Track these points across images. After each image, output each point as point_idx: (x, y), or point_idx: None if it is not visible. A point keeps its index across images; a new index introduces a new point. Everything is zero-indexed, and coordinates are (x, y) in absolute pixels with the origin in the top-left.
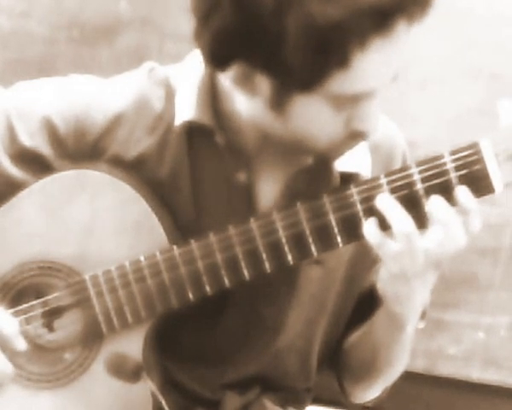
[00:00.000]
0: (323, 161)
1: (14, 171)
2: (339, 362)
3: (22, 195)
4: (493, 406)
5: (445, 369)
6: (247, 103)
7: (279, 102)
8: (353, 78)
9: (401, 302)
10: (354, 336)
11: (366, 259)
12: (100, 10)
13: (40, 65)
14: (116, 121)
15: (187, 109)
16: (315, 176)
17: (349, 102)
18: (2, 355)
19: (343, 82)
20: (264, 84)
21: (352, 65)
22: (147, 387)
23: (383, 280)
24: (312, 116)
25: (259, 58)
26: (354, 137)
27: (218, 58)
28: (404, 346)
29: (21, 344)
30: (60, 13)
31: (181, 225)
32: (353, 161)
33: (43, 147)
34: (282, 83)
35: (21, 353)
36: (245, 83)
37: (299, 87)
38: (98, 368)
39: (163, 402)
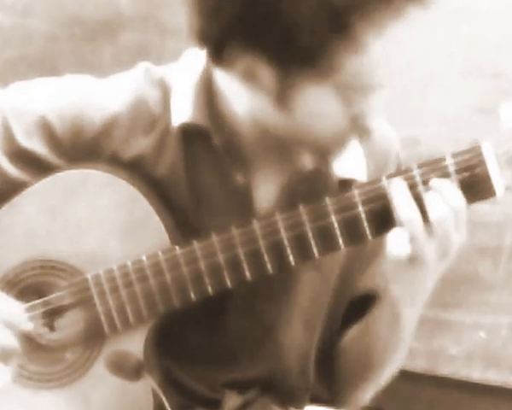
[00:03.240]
0: (321, 162)
1: (13, 170)
2: (333, 365)
3: (24, 194)
4: (494, 406)
5: (446, 369)
6: (248, 101)
7: (283, 91)
8: (366, 63)
9: (404, 286)
10: (350, 334)
11: (359, 260)
12: (101, 7)
13: (42, 62)
14: (113, 121)
15: (183, 111)
16: (313, 181)
17: (358, 95)
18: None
19: (356, 67)
20: (269, 76)
21: (365, 48)
22: (148, 386)
23: (393, 262)
24: (318, 109)
25: (271, 45)
26: (357, 129)
27: (226, 52)
28: (400, 339)
29: (28, 325)
30: (61, 10)
31: (180, 226)
32: (349, 167)
33: (40, 147)
34: (288, 69)
35: (22, 352)
36: (250, 77)
37: (313, 73)
38: (100, 368)
39: (164, 401)
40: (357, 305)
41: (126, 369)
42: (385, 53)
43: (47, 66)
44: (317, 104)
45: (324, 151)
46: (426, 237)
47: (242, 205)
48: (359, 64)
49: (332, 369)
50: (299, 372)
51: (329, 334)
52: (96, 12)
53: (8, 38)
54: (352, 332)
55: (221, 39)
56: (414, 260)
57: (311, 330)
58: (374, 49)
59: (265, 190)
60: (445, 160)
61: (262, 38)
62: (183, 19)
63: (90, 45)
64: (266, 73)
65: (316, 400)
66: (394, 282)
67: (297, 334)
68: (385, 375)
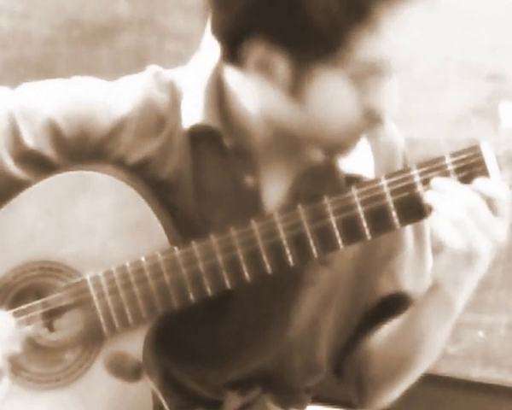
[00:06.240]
0: (329, 162)
1: (17, 172)
2: (360, 368)
3: (24, 195)
4: (493, 405)
5: (445, 368)
6: (260, 97)
7: (298, 82)
8: (379, 47)
9: (459, 282)
10: (381, 335)
11: (374, 258)
12: (100, 11)
13: (40, 65)
14: (121, 125)
15: (194, 113)
16: (321, 178)
17: (371, 81)
18: None
19: (370, 51)
20: (282, 65)
21: (379, 30)
22: (147, 387)
23: (447, 261)
24: (332, 98)
25: (283, 29)
26: (370, 119)
27: (238, 40)
28: (446, 334)
29: (16, 346)
30: (60, 13)
31: (185, 228)
32: (357, 164)
33: (47, 148)
34: (304, 57)
35: (22, 353)
36: (263, 67)
37: (328, 60)
38: (98, 369)
39: (163, 402)
40: (377, 307)
41: (125, 370)
42: (397, 38)
43: (45, 69)
44: (331, 93)
45: (337, 147)
46: (481, 231)
47: (251, 207)
48: (373, 48)
49: (359, 371)
50: (302, 373)
51: (349, 338)
52: (94, 15)
53: (6, 40)
54: (384, 333)
55: (238, 31)
56: (470, 255)
57: (316, 331)
58: (387, 33)
59: (274, 192)
60: (444, 159)
61: (278, 27)
62: (181, 22)
63: (89, 48)
64: (281, 64)
65: (317, 400)
66: (449, 279)
67: (301, 334)
68: (421, 370)
